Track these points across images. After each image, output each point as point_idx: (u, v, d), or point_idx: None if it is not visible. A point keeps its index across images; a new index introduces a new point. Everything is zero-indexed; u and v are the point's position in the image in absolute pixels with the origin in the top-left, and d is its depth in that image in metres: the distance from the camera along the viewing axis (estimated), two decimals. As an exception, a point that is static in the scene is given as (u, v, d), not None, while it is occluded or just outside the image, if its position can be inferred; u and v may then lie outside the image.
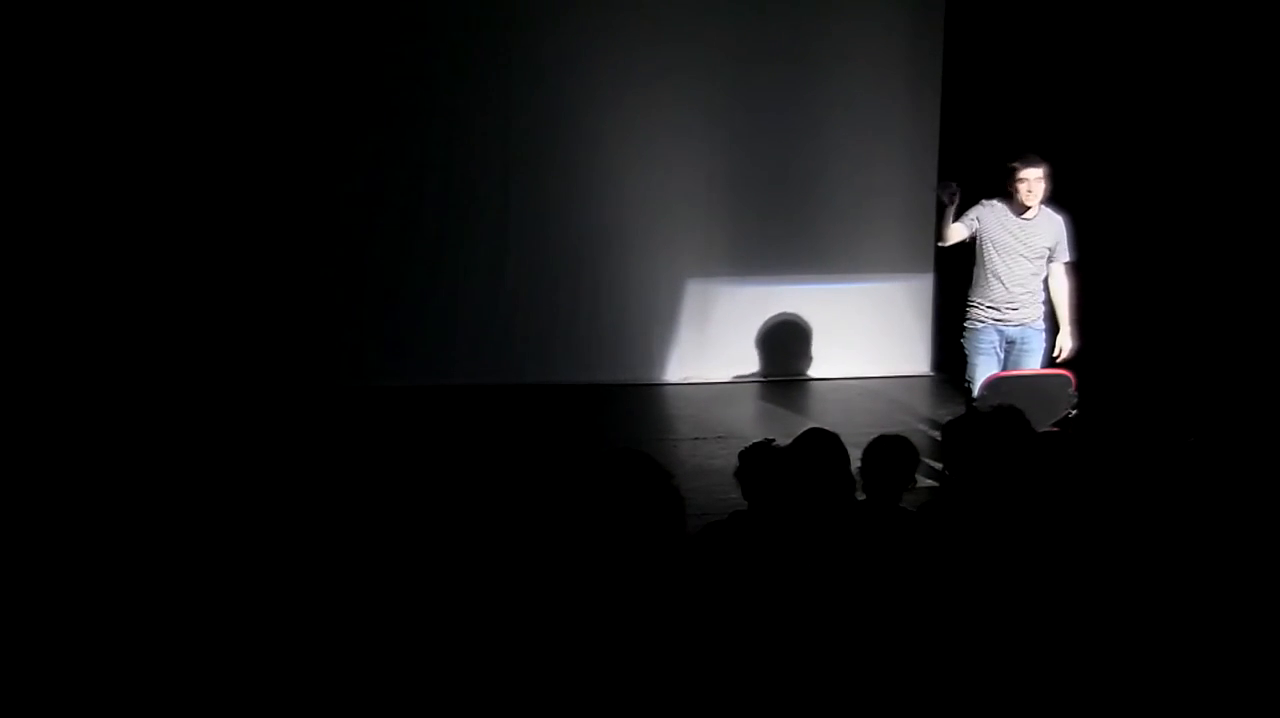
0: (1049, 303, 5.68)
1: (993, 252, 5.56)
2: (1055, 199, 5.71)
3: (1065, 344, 5.63)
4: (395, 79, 7.67)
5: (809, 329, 8.27)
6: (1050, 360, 5.64)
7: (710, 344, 8.24)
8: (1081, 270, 5.78)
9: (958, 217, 5.61)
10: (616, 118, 7.89)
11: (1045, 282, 5.66)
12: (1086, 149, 6.85)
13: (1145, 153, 6.60)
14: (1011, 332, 5.61)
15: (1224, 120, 6.21)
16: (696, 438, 6.73)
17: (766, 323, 8.26)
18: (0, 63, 7.01)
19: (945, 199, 5.55)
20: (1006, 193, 5.55)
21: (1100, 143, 6.86)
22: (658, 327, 8.19)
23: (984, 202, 5.63)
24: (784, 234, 8.18)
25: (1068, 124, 6.98)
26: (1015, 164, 5.48)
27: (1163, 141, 6.51)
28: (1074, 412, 5.18)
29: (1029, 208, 5.50)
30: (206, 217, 7.46)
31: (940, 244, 5.79)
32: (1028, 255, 5.55)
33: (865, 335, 8.36)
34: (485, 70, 7.75)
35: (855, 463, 3.42)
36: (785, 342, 8.29)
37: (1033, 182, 5.46)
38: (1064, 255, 5.60)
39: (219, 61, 7.35)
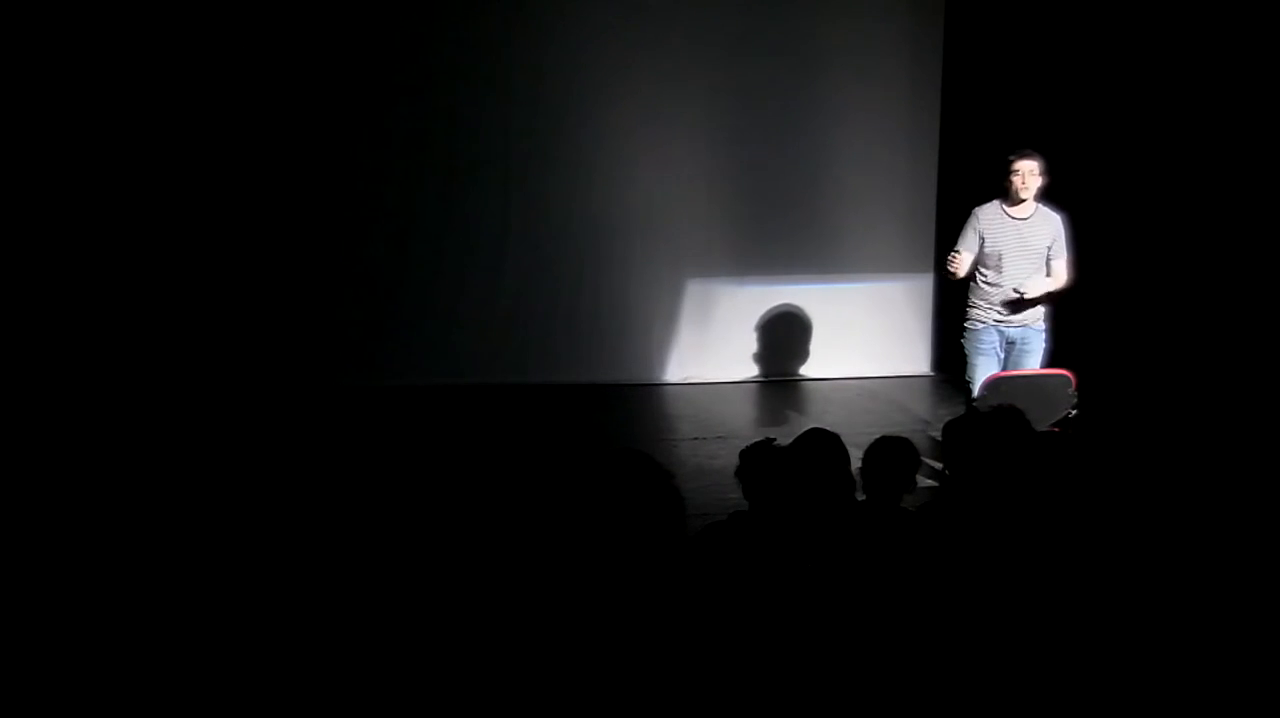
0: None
1: (992, 252, 5.57)
2: (1056, 198, 5.72)
3: (1030, 288, 5.51)
4: (396, 79, 7.67)
5: (809, 329, 8.27)
6: (1059, 356, 5.63)
7: (710, 344, 8.24)
8: (1082, 269, 5.78)
9: (957, 244, 5.68)
10: (616, 118, 7.89)
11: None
12: (1086, 148, 6.85)
13: (1145, 152, 6.61)
14: (1012, 332, 5.61)
15: (1224, 120, 6.21)
16: (696, 438, 6.73)
17: (767, 323, 8.26)
18: (0, 63, 7.01)
19: (953, 270, 5.62)
20: (1002, 188, 5.57)
21: (1100, 142, 6.86)
22: (658, 327, 8.19)
23: (976, 210, 5.65)
24: (784, 234, 8.19)
25: (1068, 124, 6.98)
26: (1010, 156, 5.52)
27: (1163, 141, 6.52)
28: (1074, 412, 5.18)
29: (1023, 200, 5.51)
30: (207, 217, 7.46)
31: (954, 278, 5.77)
32: (1027, 256, 5.55)
33: (865, 335, 8.37)
34: (486, 71, 7.75)
35: (856, 463, 3.42)
36: (785, 342, 8.30)
37: (1026, 173, 5.48)
38: (1062, 253, 5.60)
39: (219, 61, 7.36)
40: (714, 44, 7.94)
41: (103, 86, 7.19)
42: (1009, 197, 5.55)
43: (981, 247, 5.60)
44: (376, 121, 7.70)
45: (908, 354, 8.48)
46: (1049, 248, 5.57)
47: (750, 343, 8.28)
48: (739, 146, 8.07)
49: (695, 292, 8.20)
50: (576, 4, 7.81)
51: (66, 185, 7.21)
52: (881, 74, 8.17)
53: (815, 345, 8.29)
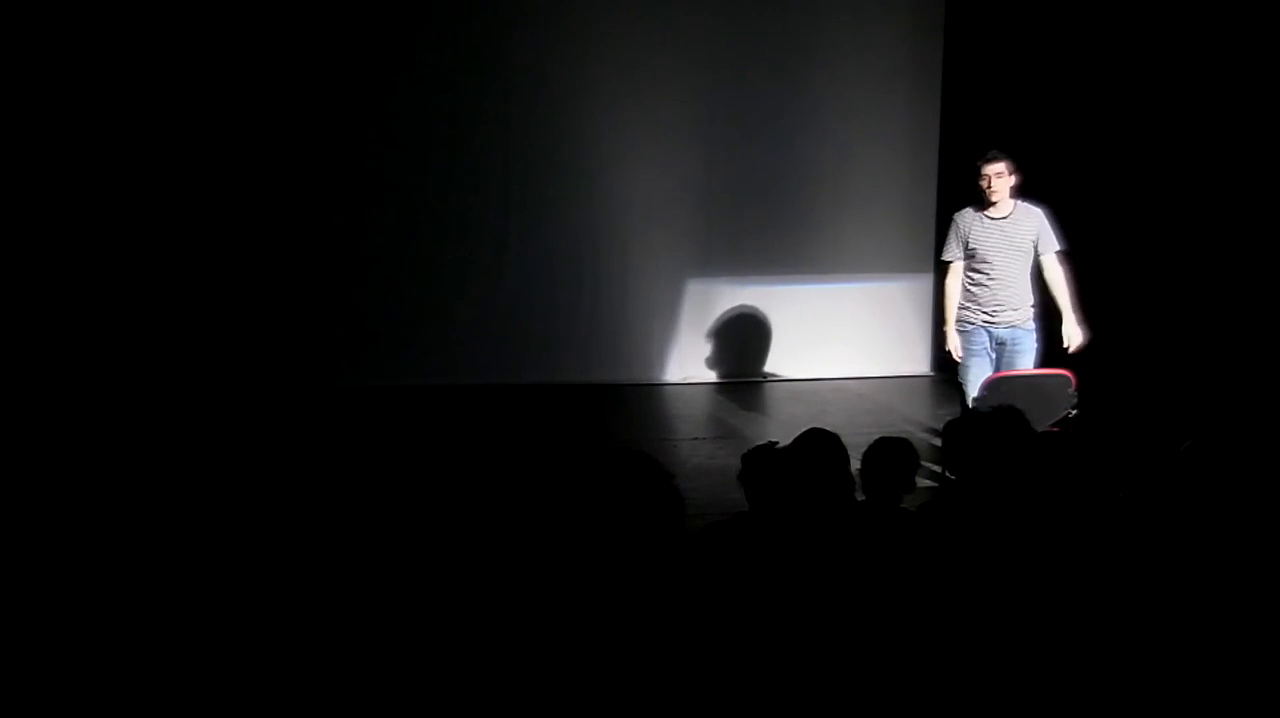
0: (1039, 302, 5.66)
1: (977, 254, 5.56)
2: (1057, 197, 5.71)
3: (1073, 336, 5.53)
4: (396, 80, 7.68)
5: (808, 329, 8.27)
6: (1054, 355, 5.61)
7: (710, 344, 8.25)
8: (1082, 269, 5.77)
9: (943, 252, 5.72)
10: (616, 118, 7.90)
11: (1039, 278, 5.64)
12: (1086, 148, 6.85)
13: (1145, 152, 6.61)
14: (1002, 333, 5.59)
15: (1224, 119, 6.21)
16: (696, 438, 6.74)
17: (766, 323, 8.26)
18: (0, 63, 7.01)
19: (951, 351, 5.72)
20: (976, 193, 5.57)
21: (1100, 142, 6.86)
22: (658, 327, 8.19)
23: (955, 216, 5.66)
24: (784, 234, 8.19)
25: (1068, 123, 6.98)
26: (978, 162, 5.52)
27: (1163, 141, 6.52)
28: (1074, 412, 5.18)
29: (994, 203, 5.51)
30: (207, 217, 7.47)
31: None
32: (1012, 254, 5.54)
33: (865, 335, 8.37)
34: (485, 71, 7.76)
35: (855, 463, 3.42)
36: (785, 342, 8.30)
37: (992, 177, 5.47)
38: (1052, 245, 5.56)
39: (219, 62, 7.36)
40: (714, 44, 7.95)
41: (103, 87, 7.19)
42: (982, 201, 5.55)
43: (966, 250, 5.60)
44: (377, 122, 7.70)
45: (907, 354, 8.48)
46: (1034, 241, 5.55)
47: (750, 343, 8.28)
48: (739, 147, 8.07)
49: (695, 292, 8.21)
50: (577, 4, 7.82)
51: (68, 186, 7.22)
52: (881, 74, 8.17)
53: (815, 346, 8.29)
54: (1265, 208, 5.99)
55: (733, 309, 8.24)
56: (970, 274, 5.61)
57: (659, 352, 8.22)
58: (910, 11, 8.21)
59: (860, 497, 3.45)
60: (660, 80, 7.90)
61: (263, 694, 3.42)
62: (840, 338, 8.31)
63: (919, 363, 8.49)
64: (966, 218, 5.61)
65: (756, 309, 8.26)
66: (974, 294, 5.60)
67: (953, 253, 5.65)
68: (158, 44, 7.25)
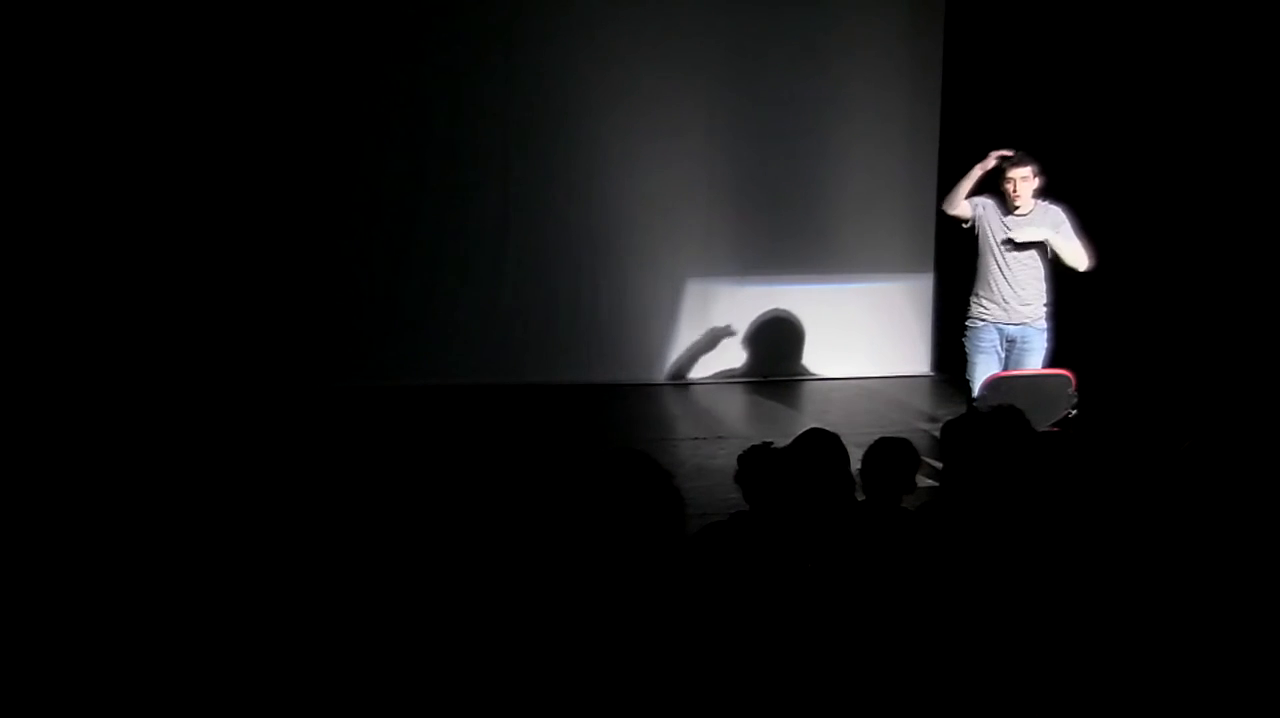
0: (1052, 301, 5.66)
1: (992, 249, 5.57)
2: (1057, 198, 5.71)
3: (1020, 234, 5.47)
4: (396, 80, 7.68)
5: (809, 329, 8.27)
6: (1058, 355, 5.61)
7: (711, 344, 8.24)
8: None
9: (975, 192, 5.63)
10: (616, 118, 7.89)
11: (1046, 278, 5.63)
12: (1086, 148, 6.85)
13: (1146, 152, 6.61)
14: (1012, 330, 5.60)
15: (1224, 119, 6.21)
16: (696, 438, 6.73)
17: (766, 323, 8.26)
18: (0, 63, 7.01)
19: (993, 162, 5.54)
20: (1000, 192, 5.57)
21: (1100, 142, 6.86)
22: (658, 327, 8.19)
23: (987, 197, 5.65)
24: (784, 234, 8.19)
25: (1068, 123, 6.98)
26: (1004, 163, 5.50)
27: (1164, 140, 6.52)
28: (1074, 412, 5.18)
29: (1017, 206, 5.51)
30: (206, 217, 7.46)
31: (943, 207, 5.78)
32: (1025, 252, 5.54)
33: (865, 335, 8.37)
34: (485, 70, 7.76)
35: (855, 463, 3.42)
36: (785, 342, 8.30)
37: (1019, 181, 5.47)
38: (1070, 238, 5.51)
39: (219, 61, 7.36)
40: (714, 44, 7.95)
41: (102, 86, 7.18)
42: (1005, 201, 5.55)
43: (980, 240, 5.60)
44: (377, 121, 7.70)
45: (908, 354, 8.48)
46: (1049, 241, 5.53)
47: (750, 343, 8.28)
48: (739, 146, 8.07)
49: (695, 292, 8.20)
50: (576, 4, 7.82)
51: (67, 186, 7.21)
52: (881, 74, 8.17)
53: (815, 345, 8.29)
54: (1265, 208, 5.99)
55: (733, 309, 8.23)
56: (982, 269, 5.61)
57: (659, 352, 8.22)
58: (910, 11, 8.21)
59: (860, 497, 3.45)
60: (660, 80, 7.90)
61: (262, 694, 3.42)
62: (840, 338, 8.30)
63: (919, 363, 8.49)
64: (992, 209, 5.59)
65: (757, 310, 8.25)
66: (985, 289, 5.61)
67: (971, 201, 5.59)
68: (158, 44, 7.24)
